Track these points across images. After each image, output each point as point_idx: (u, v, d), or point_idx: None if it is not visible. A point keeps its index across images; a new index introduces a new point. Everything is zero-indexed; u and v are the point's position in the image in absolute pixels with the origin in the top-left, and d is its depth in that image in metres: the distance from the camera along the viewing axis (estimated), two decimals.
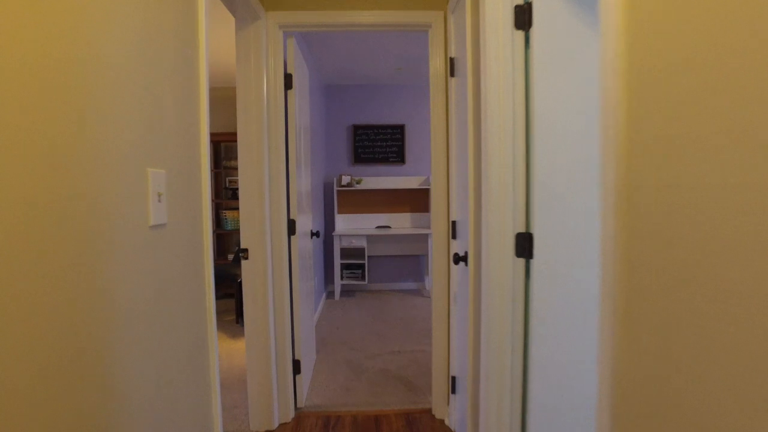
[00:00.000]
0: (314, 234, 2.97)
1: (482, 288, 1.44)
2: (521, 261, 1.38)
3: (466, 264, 1.78)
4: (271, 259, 2.14)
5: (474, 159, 1.61)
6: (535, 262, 1.30)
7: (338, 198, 5.14)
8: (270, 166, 2.13)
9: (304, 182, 2.75)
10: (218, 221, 4.84)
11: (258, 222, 2.09)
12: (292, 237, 2.31)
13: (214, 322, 1.22)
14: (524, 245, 1.33)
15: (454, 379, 2.09)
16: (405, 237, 4.96)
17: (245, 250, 2.10)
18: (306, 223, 2.75)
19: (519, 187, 1.36)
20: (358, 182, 5.05)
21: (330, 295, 5.03)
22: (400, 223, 5.19)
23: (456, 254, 1.81)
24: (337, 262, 4.76)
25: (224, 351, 3.21)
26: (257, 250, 2.10)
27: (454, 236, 2.06)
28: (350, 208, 5.18)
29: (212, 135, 4.88)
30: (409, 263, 5.27)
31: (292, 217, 2.30)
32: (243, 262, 2.10)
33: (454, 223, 2.06)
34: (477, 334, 1.60)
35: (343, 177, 4.98)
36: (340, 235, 4.75)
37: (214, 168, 5.00)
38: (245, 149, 2.07)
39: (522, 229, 1.37)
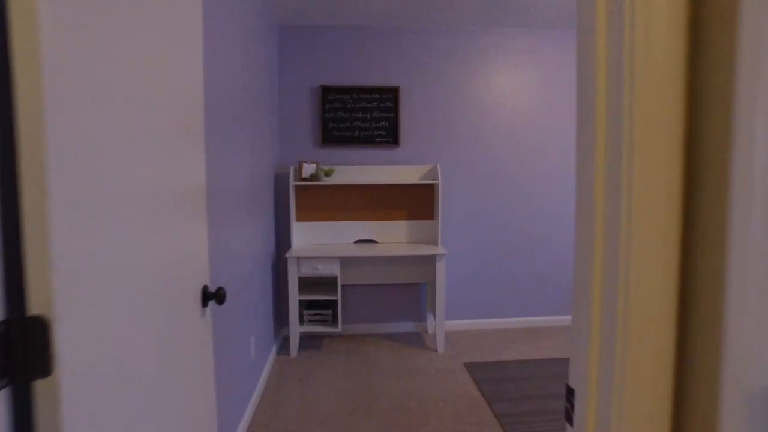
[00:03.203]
0: (212, 295, 1.26)
1: None
2: None
3: None
4: None
5: None
6: None
7: (297, 197, 3.42)
8: None
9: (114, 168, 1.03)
10: None
11: None
12: None
13: None
14: None
15: None
16: (399, 258, 3.28)
17: None
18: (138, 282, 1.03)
19: None
20: (328, 173, 3.33)
21: (283, 346, 3.31)
22: (392, 235, 3.51)
23: None
24: (294, 298, 3.04)
25: None
26: None
27: None
28: (315, 213, 3.46)
29: None
30: (405, 295, 3.61)
31: None
32: None
33: None
34: None
35: (305, 165, 3.26)
36: (298, 258, 3.03)
37: None
38: None
39: None
